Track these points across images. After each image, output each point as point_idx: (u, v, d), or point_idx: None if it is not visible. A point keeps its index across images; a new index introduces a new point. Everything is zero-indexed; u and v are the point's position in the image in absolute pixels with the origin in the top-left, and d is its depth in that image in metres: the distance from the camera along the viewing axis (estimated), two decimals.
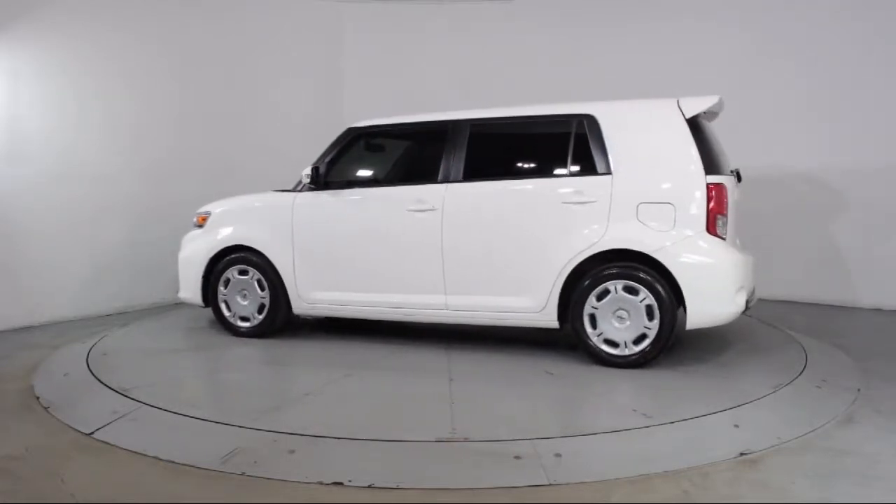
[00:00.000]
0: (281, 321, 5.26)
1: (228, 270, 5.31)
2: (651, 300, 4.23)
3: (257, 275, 5.23)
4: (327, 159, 5.10)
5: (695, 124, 4.38)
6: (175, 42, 6.84)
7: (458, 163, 4.74)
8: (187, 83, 6.95)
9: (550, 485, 2.81)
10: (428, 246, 4.72)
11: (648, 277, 4.24)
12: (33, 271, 5.94)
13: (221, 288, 5.34)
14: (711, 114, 4.74)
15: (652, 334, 4.25)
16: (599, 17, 7.60)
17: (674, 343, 4.38)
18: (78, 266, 6.21)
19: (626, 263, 4.31)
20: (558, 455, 3.04)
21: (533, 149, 4.88)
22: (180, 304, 6.79)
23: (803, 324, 5.60)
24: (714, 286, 4.24)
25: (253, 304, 5.27)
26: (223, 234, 5.35)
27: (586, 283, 4.37)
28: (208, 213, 5.51)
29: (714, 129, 4.76)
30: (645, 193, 4.35)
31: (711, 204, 4.22)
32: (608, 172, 4.41)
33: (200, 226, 5.51)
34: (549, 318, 4.50)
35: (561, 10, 7.76)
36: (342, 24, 8.22)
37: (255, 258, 5.22)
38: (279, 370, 4.80)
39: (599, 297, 4.34)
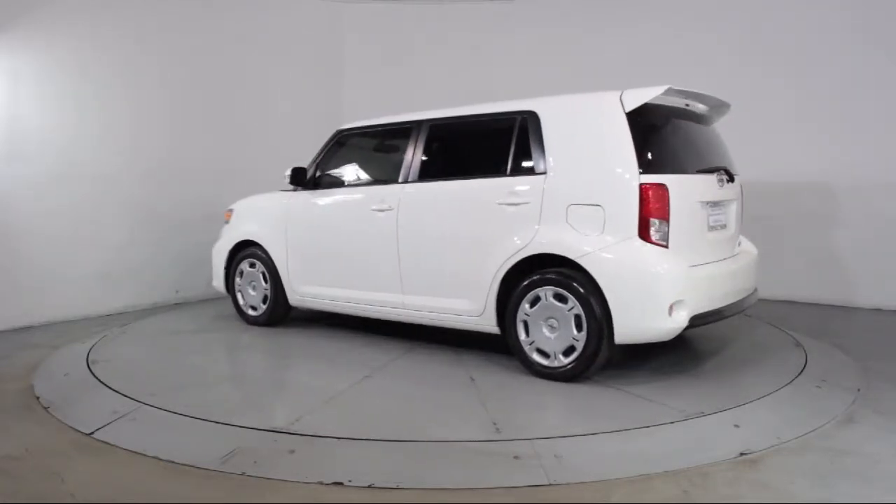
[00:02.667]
0: (281, 312, 5.62)
1: (242, 263, 5.78)
2: (579, 309, 3.93)
3: (262, 268, 5.63)
4: (317, 160, 5.42)
5: (651, 118, 4.05)
6: (175, 42, 6.84)
7: (415, 163, 4.80)
8: (187, 83, 6.95)
9: (550, 485, 2.81)
10: (387, 245, 4.81)
11: (576, 285, 3.93)
12: (33, 271, 5.94)
13: (238, 279, 5.83)
14: (714, 113, 4.63)
15: (580, 347, 3.95)
16: (599, 18, 7.60)
17: (610, 357, 4.01)
18: (78, 266, 6.20)
19: (557, 269, 4.04)
20: (558, 455, 3.04)
21: (480, 148, 4.73)
22: (181, 304, 6.81)
23: (803, 324, 5.59)
24: (642, 298, 3.80)
25: (259, 294, 5.69)
26: (239, 230, 5.81)
27: (519, 288, 4.15)
28: (232, 210, 6.00)
29: (702, 125, 4.51)
30: (575, 194, 4.04)
31: (645, 207, 3.82)
32: (543, 172, 4.17)
33: (227, 221, 6.01)
34: (488, 323, 4.36)
35: (561, 10, 7.76)
36: (342, 24, 8.22)
37: (260, 253, 5.63)
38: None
39: (532, 304, 4.12)
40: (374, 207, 4.87)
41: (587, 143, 4.08)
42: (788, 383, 3.96)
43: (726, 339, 4.95)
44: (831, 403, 3.70)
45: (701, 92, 4.28)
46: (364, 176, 5.32)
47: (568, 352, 4.01)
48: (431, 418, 3.55)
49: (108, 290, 6.41)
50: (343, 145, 5.42)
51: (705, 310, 3.99)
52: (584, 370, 3.97)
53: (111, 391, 3.97)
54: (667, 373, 4.22)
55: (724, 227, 4.39)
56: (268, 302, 5.62)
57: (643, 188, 3.83)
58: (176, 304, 6.84)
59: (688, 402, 3.67)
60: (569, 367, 4.01)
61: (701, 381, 4.09)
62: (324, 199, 5.31)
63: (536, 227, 4.13)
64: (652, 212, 3.83)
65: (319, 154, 5.44)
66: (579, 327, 3.95)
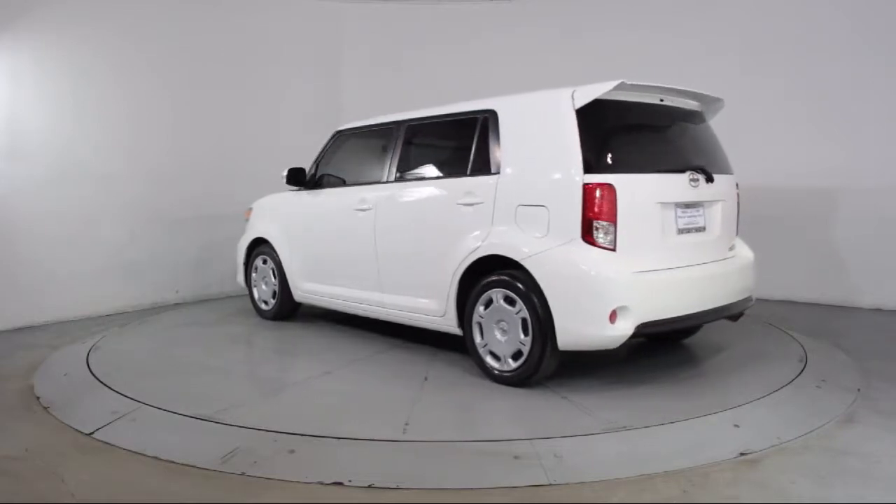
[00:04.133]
0: (288, 307, 5.80)
1: (256, 260, 6.01)
2: (526, 313, 3.84)
3: (272, 265, 5.82)
4: (317, 160, 5.56)
5: (607, 115, 3.87)
6: (175, 42, 6.83)
7: (393, 163, 4.85)
8: (187, 83, 6.95)
9: (550, 485, 2.81)
10: (367, 244, 4.90)
11: (522, 288, 3.85)
12: (33, 271, 5.94)
13: (253, 274, 6.06)
14: (706, 109, 4.47)
15: (526, 351, 3.87)
16: (599, 17, 7.59)
17: (556, 364, 3.90)
18: (78, 266, 6.21)
19: (509, 272, 3.95)
20: (558, 455, 3.04)
21: (446, 148, 4.71)
22: (180, 304, 6.81)
23: (803, 324, 5.59)
24: (581, 304, 3.66)
25: (269, 289, 5.91)
26: (255, 228, 6.03)
27: (475, 290, 4.11)
28: (251, 209, 6.19)
29: (687, 122, 4.34)
30: (524, 195, 3.95)
31: (589, 208, 3.67)
32: (497, 172, 4.10)
33: (247, 220, 6.21)
34: (451, 324, 4.33)
35: (561, 10, 7.75)
36: (342, 24, 8.22)
37: (269, 250, 5.83)
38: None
39: (486, 306, 4.06)
40: (356, 207, 4.97)
41: (538, 141, 3.97)
42: (788, 383, 3.95)
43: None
44: (831, 403, 3.69)
45: (661, 85, 4.05)
46: (354, 176, 5.39)
47: (516, 356, 3.93)
48: (349, 414, 3.63)
49: (108, 290, 6.41)
50: (340, 146, 5.53)
51: (660, 317, 3.76)
52: (530, 375, 3.88)
53: (111, 391, 3.97)
54: (630, 381, 4.21)
55: (701, 229, 4.15)
56: (276, 297, 5.82)
57: (586, 188, 3.67)
58: (176, 303, 6.84)
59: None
60: (516, 371, 3.93)
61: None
62: (319, 198, 5.46)
63: (489, 228, 4.08)
64: (596, 213, 3.66)
65: (320, 154, 5.59)
66: (526, 331, 3.86)
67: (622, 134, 4.08)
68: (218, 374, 4.43)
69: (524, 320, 3.86)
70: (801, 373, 4.16)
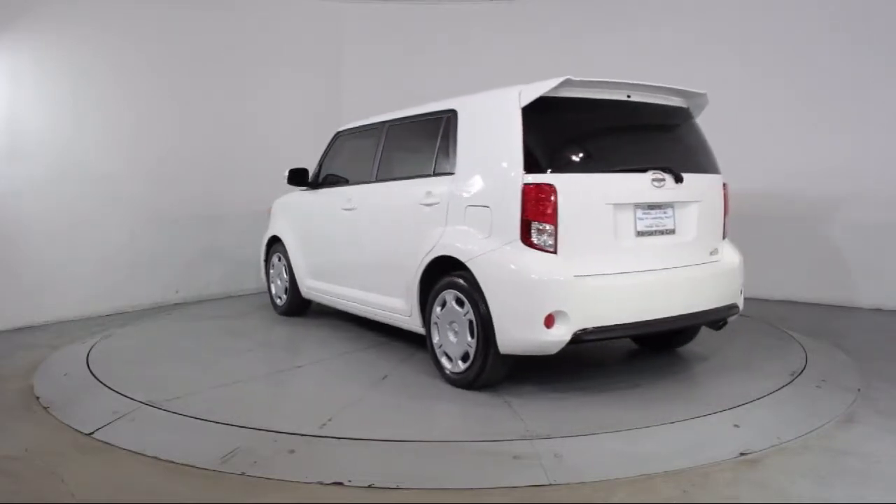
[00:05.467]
0: (297, 303, 5.94)
1: (273, 257, 6.18)
2: (472, 315, 3.78)
3: (285, 262, 5.94)
4: (321, 160, 5.69)
5: (557, 113, 3.76)
6: (174, 42, 6.83)
7: (375, 164, 4.91)
8: (187, 83, 6.95)
9: (550, 485, 2.81)
10: (353, 243, 5.03)
11: (470, 289, 3.79)
12: (33, 271, 5.94)
13: (271, 271, 6.23)
14: (694, 107, 4.29)
15: (472, 353, 3.81)
16: (600, 17, 7.59)
17: (503, 368, 3.83)
18: (78, 266, 6.20)
19: (459, 273, 3.89)
20: (558, 455, 3.04)
21: (417, 148, 4.64)
22: (180, 305, 6.80)
23: (803, 324, 5.59)
24: (518, 307, 3.57)
25: (282, 286, 6.06)
26: (272, 227, 6.21)
27: (433, 291, 4.08)
28: (271, 208, 6.33)
29: (665, 120, 4.18)
30: (472, 195, 3.90)
31: (527, 209, 3.55)
32: (452, 172, 4.07)
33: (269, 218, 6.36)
34: (416, 324, 4.32)
35: (562, 9, 7.75)
36: (342, 24, 8.21)
37: (282, 248, 5.97)
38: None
39: (442, 307, 4.02)
40: (344, 207, 5.09)
41: (488, 141, 3.91)
42: (788, 383, 3.95)
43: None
44: (831, 403, 3.69)
45: (613, 80, 3.87)
46: (348, 176, 5.45)
47: (465, 357, 3.88)
48: (276, 408, 3.79)
49: (108, 290, 6.41)
50: (340, 146, 5.62)
51: (605, 324, 3.59)
52: (476, 378, 3.83)
53: (111, 391, 3.97)
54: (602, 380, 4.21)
55: (669, 232, 3.95)
56: (287, 293, 5.96)
57: (525, 189, 3.56)
58: (176, 304, 6.84)
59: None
60: (464, 373, 3.88)
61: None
62: (319, 198, 5.58)
63: (443, 228, 4.05)
64: (534, 214, 3.54)
65: (323, 154, 5.74)
66: (472, 333, 3.80)
67: (573, 132, 3.93)
68: (196, 365, 4.55)
69: (471, 322, 3.80)
70: (801, 373, 4.16)
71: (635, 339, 4.72)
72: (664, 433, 3.29)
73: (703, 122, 4.36)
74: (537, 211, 3.54)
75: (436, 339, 4.10)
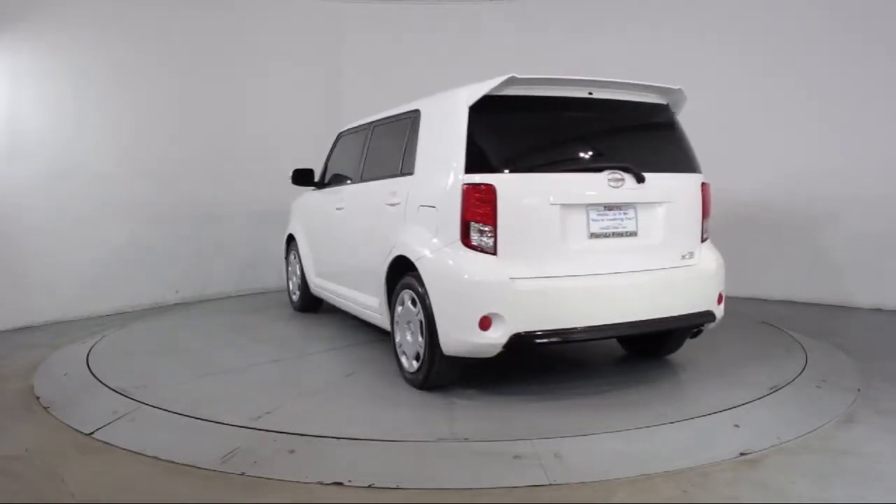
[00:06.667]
0: (308, 299, 6.03)
1: (290, 255, 6.33)
2: (422, 315, 3.74)
3: (298, 259, 6.09)
4: (326, 160, 5.79)
5: (506, 112, 3.68)
6: (174, 42, 6.83)
7: (361, 164, 4.99)
8: (186, 83, 6.95)
9: (550, 485, 2.81)
10: (341, 242, 5.14)
11: (420, 289, 3.76)
12: (33, 271, 5.94)
13: (289, 268, 6.40)
14: (674, 104, 4.11)
15: (422, 354, 3.77)
16: (600, 17, 7.59)
17: (451, 369, 3.79)
18: (78, 266, 6.21)
19: (413, 273, 3.86)
20: (558, 455, 3.04)
21: (389, 149, 4.63)
22: (179, 305, 6.80)
23: (803, 324, 5.59)
24: (455, 309, 3.55)
25: (297, 282, 6.20)
26: (289, 225, 6.37)
27: (395, 290, 4.07)
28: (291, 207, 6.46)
29: (636, 117, 4.04)
30: (424, 195, 3.89)
31: (466, 209, 3.49)
32: (411, 172, 4.09)
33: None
34: (386, 322, 4.32)
35: (562, 9, 7.75)
36: (342, 24, 8.21)
37: (296, 246, 6.13)
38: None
39: (403, 306, 4.01)
40: (336, 206, 5.21)
41: (440, 141, 3.87)
42: (788, 383, 3.95)
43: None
44: (831, 403, 3.69)
45: (561, 77, 3.76)
46: (342, 176, 5.51)
47: (417, 357, 3.86)
48: (221, 398, 3.82)
49: (109, 290, 6.41)
50: (340, 146, 5.70)
51: (546, 328, 3.49)
52: (424, 379, 3.81)
53: (111, 391, 3.96)
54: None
55: (629, 234, 3.77)
56: (300, 290, 6.10)
57: (465, 189, 3.51)
58: (176, 303, 6.84)
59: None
60: (415, 374, 3.88)
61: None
62: (320, 197, 5.69)
63: (401, 227, 4.06)
64: (473, 215, 3.49)
65: (328, 155, 5.87)
66: (423, 333, 3.77)
67: (518, 131, 3.80)
68: (184, 358, 4.68)
69: (421, 322, 3.78)
70: (801, 373, 4.15)
71: (622, 343, 4.65)
72: (664, 433, 3.28)
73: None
74: (476, 211, 3.50)
75: (398, 338, 4.10)
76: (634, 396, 3.80)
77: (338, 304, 5.39)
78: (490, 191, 3.48)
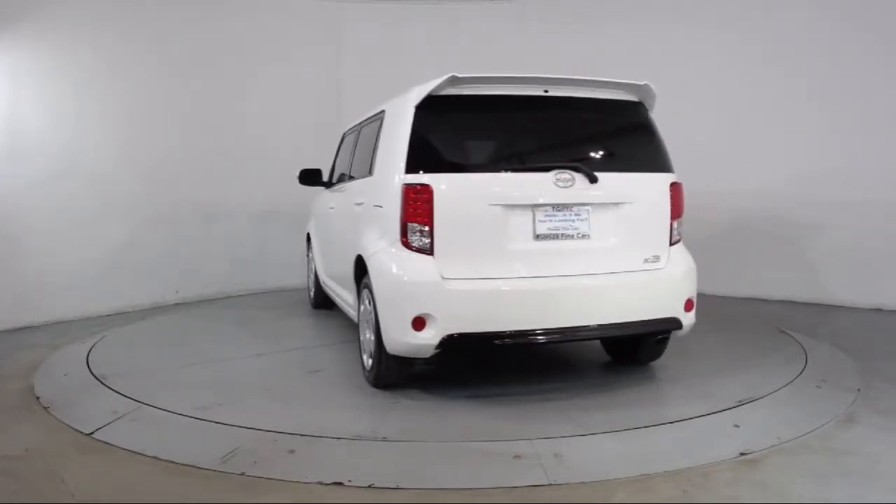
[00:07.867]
0: (320, 296, 6.09)
1: (309, 253, 6.47)
2: (374, 314, 3.76)
3: (313, 256, 6.25)
4: (334, 160, 5.88)
5: (452, 111, 3.65)
6: (174, 42, 6.84)
7: (350, 163, 5.06)
8: (186, 83, 6.95)
9: (550, 485, 2.81)
10: (334, 240, 5.19)
11: (371, 289, 3.78)
12: (34, 271, 5.94)
13: (308, 266, 6.55)
14: (646, 100, 3.95)
15: (373, 352, 3.82)
16: (601, 17, 7.59)
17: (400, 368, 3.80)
18: (78, 266, 6.21)
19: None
20: (558, 455, 3.04)
21: (366, 149, 4.60)
22: (179, 305, 6.80)
23: (803, 324, 5.59)
24: (391, 308, 3.57)
25: (312, 279, 6.36)
26: (308, 224, 6.51)
27: (360, 289, 4.10)
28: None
29: (596, 115, 3.93)
30: (376, 196, 3.92)
31: (405, 209, 3.49)
32: (372, 173, 4.14)
33: None
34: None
35: (562, 10, 7.75)
36: (342, 23, 8.22)
37: (310, 244, 6.32)
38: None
39: (364, 305, 4.04)
40: (330, 206, 5.33)
41: (392, 141, 3.86)
42: (788, 383, 3.95)
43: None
44: (831, 403, 3.69)
45: (503, 75, 3.70)
46: (339, 176, 5.56)
47: (371, 356, 3.90)
48: (173, 387, 3.98)
49: (108, 290, 6.41)
50: (343, 145, 5.79)
51: (480, 330, 3.45)
52: (376, 378, 3.83)
53: (111, 391, 3.97)
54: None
55: (581, 236, 3.62)
56: (314, 286, 6.24)
57: (403, 189, 3.50)
58: (176, 303, 6.84)
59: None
60: (369, 371, 3.92)
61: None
62: (325, 197, 5.76)
63: (362, 227, 4.13)
64: (411, 215, 3.48)
65: (335, 153, 5.99)
66: (373, 332, 3.80)
67: (460, 131, 3.79)
68: (185, 350, 4.80)
69: (371, 321, 3.82)
70: (801, 373, 4.16)
71: (605, 348, 4.57)
72: (664, 433, 3.28)
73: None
74: (414, 212, 3.48)
75: (362, 336, 4.13)
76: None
77: (336, 302, 5.44)
78: (426, 191, 3.46)
